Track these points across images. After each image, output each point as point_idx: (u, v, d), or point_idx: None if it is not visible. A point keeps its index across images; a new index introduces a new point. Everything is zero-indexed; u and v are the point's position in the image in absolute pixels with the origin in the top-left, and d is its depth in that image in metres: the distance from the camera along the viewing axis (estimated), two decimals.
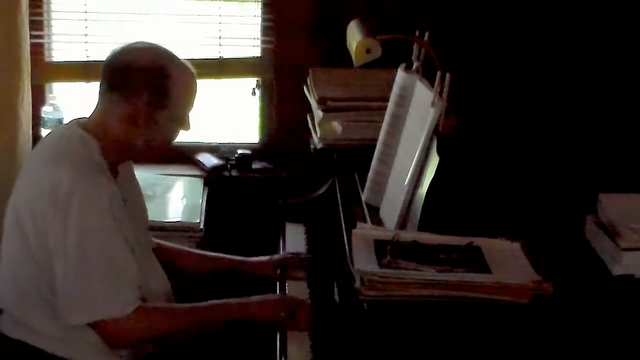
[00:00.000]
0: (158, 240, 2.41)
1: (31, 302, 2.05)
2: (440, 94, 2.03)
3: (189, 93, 2.13)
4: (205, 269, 2.45)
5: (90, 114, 2.13)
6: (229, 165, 3.26)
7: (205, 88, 2.31)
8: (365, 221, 2.16)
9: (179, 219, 2.91)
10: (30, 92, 3.00)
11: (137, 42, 2.12)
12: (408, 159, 2.10)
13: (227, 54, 3.23)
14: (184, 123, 2.15)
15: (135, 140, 2.09)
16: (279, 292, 2.33)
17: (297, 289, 2.31)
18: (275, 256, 2.46)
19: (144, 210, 2.33)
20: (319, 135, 2.63)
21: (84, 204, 1.96)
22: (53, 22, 3.21)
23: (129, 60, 2.07)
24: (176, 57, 2.11)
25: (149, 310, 2.05)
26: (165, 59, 2.09)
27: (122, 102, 2.06)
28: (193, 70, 2.13)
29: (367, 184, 2.32)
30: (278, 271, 2.41)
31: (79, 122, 2.12)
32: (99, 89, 2.11)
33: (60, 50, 3.24)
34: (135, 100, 2.05)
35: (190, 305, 2.13)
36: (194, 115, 2.18)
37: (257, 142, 3.36)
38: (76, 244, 1.95)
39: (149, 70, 2.05)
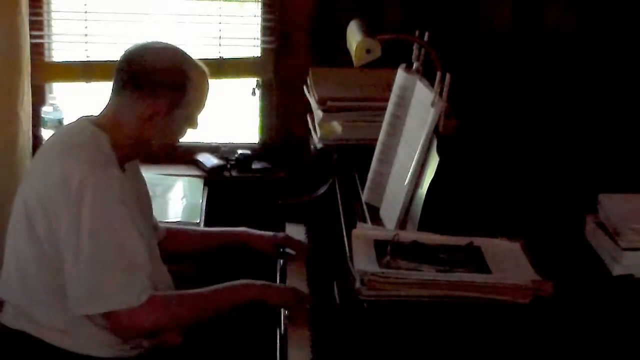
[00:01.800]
0: (165, 225, 2.46)
1: (36, 294, 2.06)
2: (440, 94, 2.03)
3: (204, 93, 2.18)
4: (211, 246, 2.52)
5: (101, 111, 2.15)
6: (229, 165, 3.26)
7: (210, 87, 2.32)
8: (365, 221, 2.16)
9: (179, 219, 2.91)
10: (30, 92, 3.00)
11: (153, 42, 2.16)
12: (408, 159, 2.10)
13: (227, 54, 3.23)
14: (193, 122, 2.20)
15: (147, 138, 2.12)
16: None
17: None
18: (279, 234, 2.52)
19: (149, 207, 2.34)
20: (319, 135, 2.63)
21: (96, 194, 1.98)
22: (53, 22, 3.21)
23: (149, 61, 2.10)
24: (191, 57, 2.16)
25: (161, 298, 2.06)
26: (184, 59, 2.13)
27: (142, 101, 2.08)
28: (207, 70, 2.18)
29: (367, 184, 2.32)
30: (282, 249, 2.49)
31: (89, 119, 2.14)
32: (113, 87, 2.13)
33: (60, 50, 3.24)
34: (156, 99, 2.08)
35: (199, 290, 2.14)
36: (203, 114, 2.22)
37: (257, 142, 3.36)
38: (89, 234, 1.97)
39: (169, 71, 2.09)
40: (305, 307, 2.17)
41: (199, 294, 2.13)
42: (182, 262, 2.47)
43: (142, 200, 2.27)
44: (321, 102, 2.62)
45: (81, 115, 2.18)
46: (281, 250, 2.48)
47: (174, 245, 2.42)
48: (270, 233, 2.52)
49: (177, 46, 2.16)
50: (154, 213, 2.42)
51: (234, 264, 2.52)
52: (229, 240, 2.53)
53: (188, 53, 2.16)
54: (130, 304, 2.00)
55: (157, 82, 2.08)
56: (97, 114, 2.15)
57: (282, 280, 2.39)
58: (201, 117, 2.22)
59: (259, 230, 2.54)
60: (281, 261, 2.46)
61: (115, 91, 2.12)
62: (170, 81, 2.09)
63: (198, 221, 2.91)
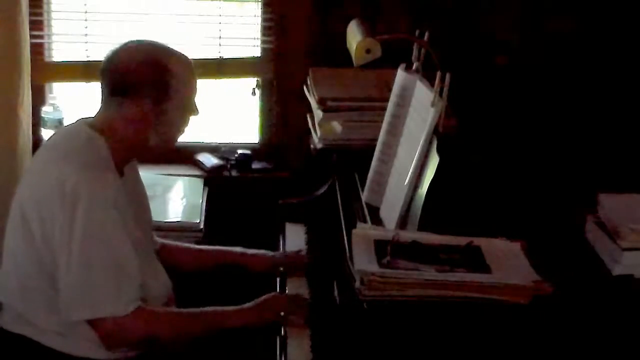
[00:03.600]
0: (161, 240, 2.42)
1: (32, 297, 2.06)
2: (440, 94, 2.03)
3: (190, 80, 2.15)
4: (207, 265, 2.47)
5: (95, 114, 2.14)
6: (229, 165, 3.26)
7: (205, 88, 2.32)
8: (365, 221, 2.16)
9: (179, 219, 2.91)
10: (30, 92, 3.00)
11: (128, 42, 2.13)
12: (408, 159, 2.10)
13: (227, 54, 3.23)
14: (191, 109, 2.18)
15: (146, 138, 2.11)
16: (279, 290, 2.34)
17: (297, 288, 2.31)
18: (277, 254, 2.47)
19: (148, 211, 2.34)
20: (319, 135, 2.63)
21: (91, 200, 1.97)
22: (53, 22, 3.21)
23: (125, 62, 2.08)
24: (168, 47, 2.12)
25: (148, 312, 2.06)
26: (160, 52, 2.10)
27: (127, 104, 2.08)
28: (187, 56, 2.15)
29: (367, 184, 2.32)
30: (280, 269, 2.42)
31: (87, 121, 2.14)
32: (101, 92, 2.12)
33: (60, 50, 3.24)
34: (140, 100, 2.07)
35: (188, 311, 2.14)
36: (199, 99, 2.19)
37: (257, 142, 3.36)
38: (81, 240, 1.96)
39: (146, 68, 2.07)
40: (303, 317, 2.13)
41: (188, 315, 2.13)
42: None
43: (140, 205, 2.26)
44: (321, 102, 2.62)
45: (80, 118, 2.18)
46: (281, 269, 2.42)
47: (166, 261, 2.35)
48: (269, 253, 2.45)
49: (153, 40, 2.13)
50: (153, 215, 2.41)
51: (234, 273, 2.51)
52: (226, 261, 2.46)
53: (164, 44, 2.12)
54: (117, 312, 2.00)
55: (137, 82, 2.06)
56: (94, 116, 2.14)
57: (283, 280, 2.38)
58: (198, 118, 2.19)
59: (258, 239, 2.52)
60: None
61: (103, 97, 2.12)
62: (149, 78, 2.06)
63: (198, 221, 2.91)
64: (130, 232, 2.07)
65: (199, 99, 2.19)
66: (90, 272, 1.98)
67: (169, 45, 2.13)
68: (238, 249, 2.47)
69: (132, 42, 2.13)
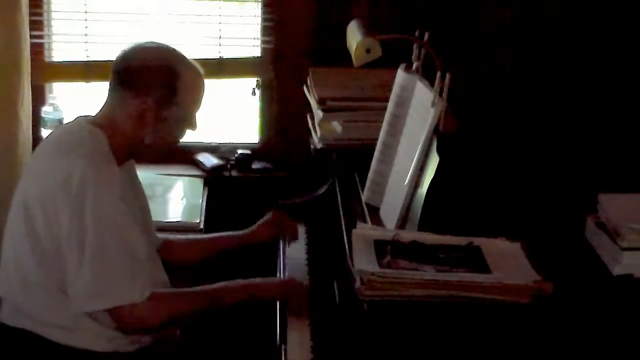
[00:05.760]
0: (164, 236, 2.43)
1: (35, 292, 2.06)
2: (440, 94, 2.03)
3: (197, 93, 2.18)
4: (208, 254, 2.50)
5: (98, 111, 2.17)
6: (229, 165, 3.26)
7: (205, 88, 2.32)
8: (365, 221, 2.16)
9: (179, 219, 2.92)
10: (30, 92, 3.00)
11: (147, 42, 2.17)
12: (408, 159, 2.10)
13: (227, 54, 3.23)
14: (190, 123, 2.20)
15: (142, 137, 2.13)
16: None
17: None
18: (263, 220, 2.52)
19: (147, 211, 2.34)
20: (319, 135, 2.63)
21: (98, 192, 1.99)
22: (53, 22, 3.22)
23: (139, 59, 2.12)
24: (185, 57, 2.16)
25: (162, 295, 2.08)
26: (175, 59, 2.14)
27: (132, 100, 2.10)
28: (201, 70, 2.19)
29: (367, 184, 2.32)
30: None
31: (86, 119, 2.16)
32: (108, 87, 2.15)
33: (60, 50, 3.24)
34: (145, 98, 2.10)
35: (199, 288, 2.16)
36: (199, 115, 2.21)
37: (257, 142, 3.36)
38: (93, 232, 1.98)
39: (159, 70, 2.10)
40: (305, 298, 2.18)
41: (198, 293, 2.14)
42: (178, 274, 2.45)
43: (140, 201, 2.28)
44: (321, 102, 2.62)
45: (78, 115, 2.20)
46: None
47: (170, 256, 2.38)
48: (254, 227, 2.52)
49: (172, 46, 2.17)
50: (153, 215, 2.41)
51: (235, 262, 2.52)
52: (230, 245, 2.50)
53: (183, 53, 2.16)
54: (133, 299, 2.01)
55: (147, 81, 2.10)
56: (94, 114, 2.17)
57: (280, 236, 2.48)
58: (200, 118, 2.22)
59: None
60: (281, 262, 2.46)
61: (110, 90, 2.15)
62: (159, 80, 2.10)
63: (198, 221, 2.91)
64: (137, 221, 2.10)
65: (200, 114, 2.21)
66: (105, 262, 1.99)
67: (186, 56, 2.16)
68: (234, 234, 2.52)
69: (151, 42, 2.17)
